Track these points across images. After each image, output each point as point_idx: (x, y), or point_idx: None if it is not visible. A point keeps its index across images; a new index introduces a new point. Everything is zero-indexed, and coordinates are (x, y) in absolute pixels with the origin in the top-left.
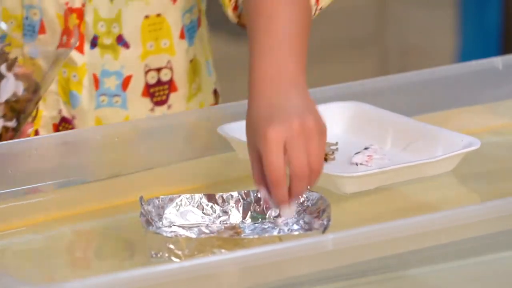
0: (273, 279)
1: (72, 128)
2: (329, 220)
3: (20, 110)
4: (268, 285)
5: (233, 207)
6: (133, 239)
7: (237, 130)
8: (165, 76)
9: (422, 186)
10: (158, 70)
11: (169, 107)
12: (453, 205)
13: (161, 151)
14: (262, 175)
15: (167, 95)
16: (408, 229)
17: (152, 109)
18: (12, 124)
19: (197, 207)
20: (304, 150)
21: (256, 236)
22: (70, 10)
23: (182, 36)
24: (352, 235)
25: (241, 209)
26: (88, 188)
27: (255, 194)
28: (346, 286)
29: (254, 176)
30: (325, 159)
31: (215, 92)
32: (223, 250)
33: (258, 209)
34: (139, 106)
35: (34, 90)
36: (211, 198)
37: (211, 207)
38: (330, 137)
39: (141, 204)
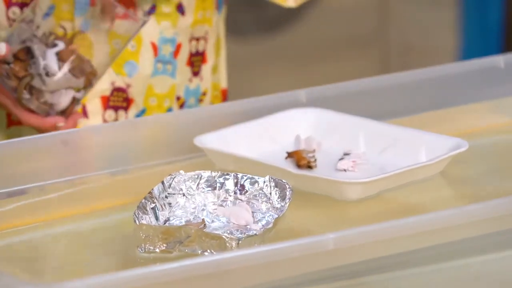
0: (273, 278)
1: (126, 97)
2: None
3: (86, 85)
4: (268, 285)
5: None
6: (132, 238)
7: (214, 141)
8: (201, 46)
9: (412, 188)
10: (197, 39)
11: (201, 79)
12: (445, 206)
13: (146, 152)
14: None
15: (199, 66)
16: (409, 228)
17: (190, 79)
18: (79, 95)
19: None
20: None
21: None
22: None
23: (217, 6)
24: (352, 234)
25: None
26: (87, 188)
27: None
28: (346, 286)
29: None
30: (310, 166)
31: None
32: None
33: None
34: (183, 75)
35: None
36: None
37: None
38: (298, 144)
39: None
